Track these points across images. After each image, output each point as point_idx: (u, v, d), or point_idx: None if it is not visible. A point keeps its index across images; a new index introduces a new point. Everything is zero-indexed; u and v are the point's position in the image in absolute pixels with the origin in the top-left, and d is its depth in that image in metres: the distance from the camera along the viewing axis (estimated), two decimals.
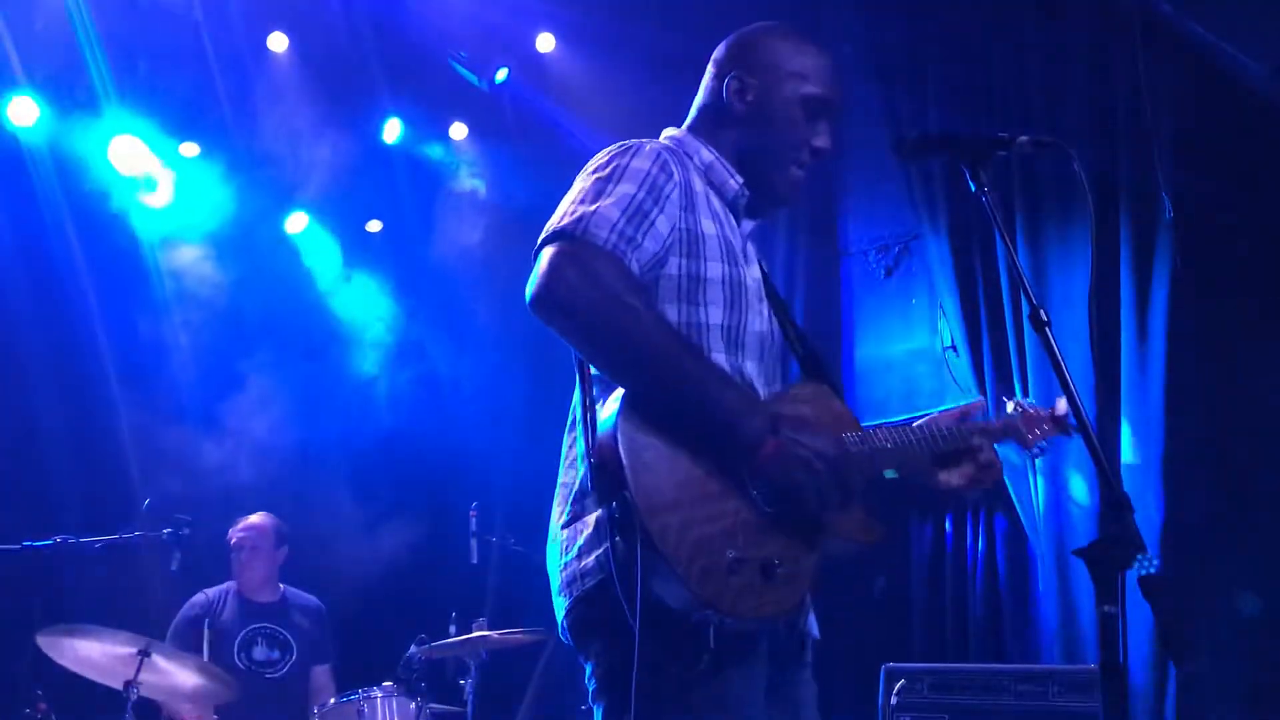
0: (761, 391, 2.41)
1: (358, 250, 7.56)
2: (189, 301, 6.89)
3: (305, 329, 7.35)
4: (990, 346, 5.76)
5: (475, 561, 5.75)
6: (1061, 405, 2.64)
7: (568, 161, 6.90)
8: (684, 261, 2.35)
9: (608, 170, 2.35)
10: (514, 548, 5.90)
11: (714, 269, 2.38)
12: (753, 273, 2.51)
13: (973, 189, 2.29)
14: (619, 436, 2.15)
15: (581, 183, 2.36)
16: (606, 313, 2.18)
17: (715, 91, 2.57)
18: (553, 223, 2.29)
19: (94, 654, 4.76)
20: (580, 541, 2.28)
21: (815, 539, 2.26)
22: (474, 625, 5.34)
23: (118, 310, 6.72)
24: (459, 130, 7.36)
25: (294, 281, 7.37)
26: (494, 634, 5.27)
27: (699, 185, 2.44)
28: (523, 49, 6.94)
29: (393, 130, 7.21)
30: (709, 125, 2.57)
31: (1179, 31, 5.09)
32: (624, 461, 2.12)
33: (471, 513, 5.73)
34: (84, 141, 6.48)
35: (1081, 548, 1.93)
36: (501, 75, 7.01)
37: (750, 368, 2.41)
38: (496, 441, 7.14)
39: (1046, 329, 2.11)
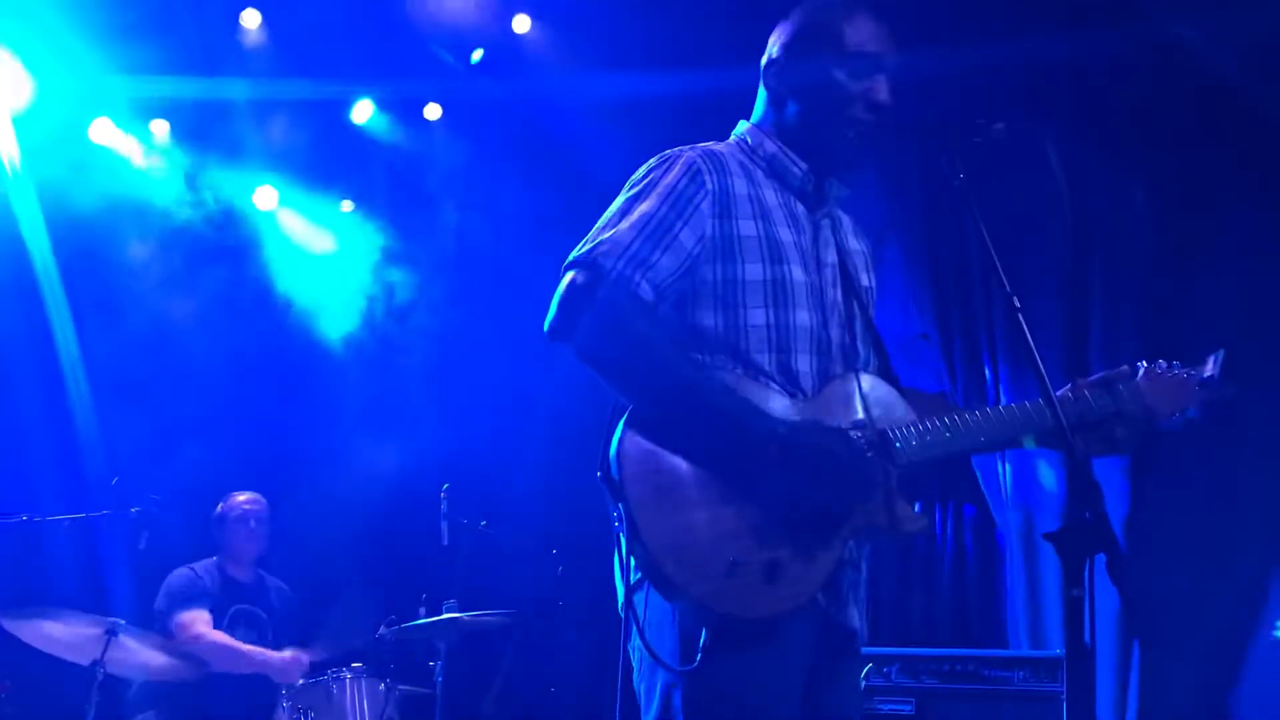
0: (813, 386, 2.40)
1: (329, 229, 7.50)
2: (156, 277, 6.84)
3: (274, 306, 7.29)
4: (962, 334, 5.79)
5: (446, 543, 5.74)
6: (1210, 365, 2.57)
7: (543, 144, 6.89)
8: (719, 267, 2.39)
9: (638, 188, 2.44)
10: (485, 530, 5.89)
11: (753, 271, 2.40)
12: (825, 257, 2.50)
13: (947, 176, 2.29)
14: (620, 449, 2.27)
15: (616, 201, 2.46)
16: (607, 342, 2.31)
17: (763, 82, 2.60)
18: (576, 248, 2.40)
19: (60, 633, 4.73)
20: (621, 542, 2.35)
21: (833, 535, 2.28)
22: (444, 607, 5.34)
23: (84, 285, 6.66)
24: (433, 111, 7.32)
25: (262, 259, 7.31)
26: (464, 616, 5.27)
27: (742, 188, 2.45)
28: (499, 30, 6.90)
29: (365, 110, 7.16)
30: (768, 115, 2.59)
31: (1150, 21, 5.12)
32: (623, 473, 2.25)
33: (442, 494, 5.72)
34: (54, 116, 6.42)
35: (1051, 532, 1.94)
36: (477, 56, 6.97)
37: (803, 363, 2.40)
38: (469, 422, 7.12)
39: (1019, 315, 2.12)
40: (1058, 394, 2.44)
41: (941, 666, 4.50)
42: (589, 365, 2.35)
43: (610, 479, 2.28)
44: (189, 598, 5.41)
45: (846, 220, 2.64)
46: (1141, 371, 2.60)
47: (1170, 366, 2.61)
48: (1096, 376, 2.56)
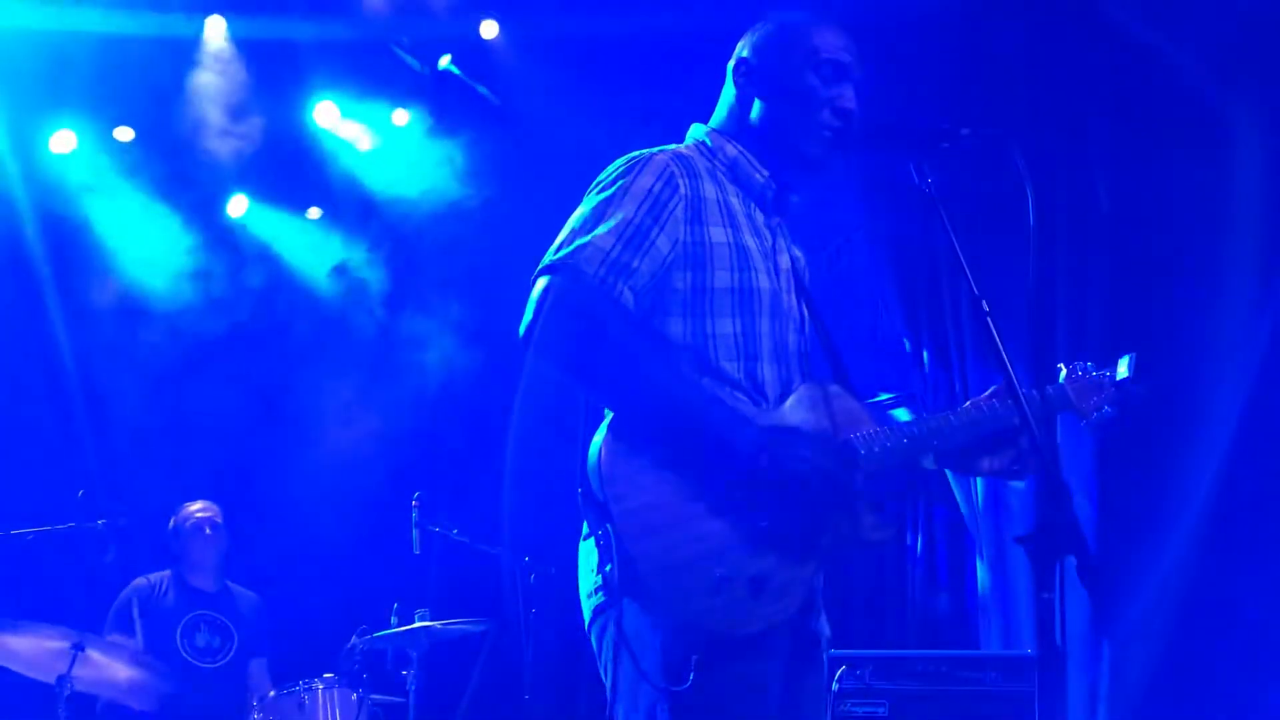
0: (776, 394, 2.41)
1: (299, 237, 7.46)
2: (119, 289, 6.79)
3: (243, 316, 7.24)
4: (930, 337, 5.81)
5: (418, 552, 5.72)
6: (1123, 367, 2.63)
7: (512, 148, 6.86)
8: (689, 274, 2.37)
9: (612, 189, 2.37)
10: (457, 538, 5.86)
11: (721, 278, 2.38)
12: (781, 264, 2.52)
13: (915, 181, 2.30)
14: (601, 466, 2.22)
15: (586, 203, 2.39)
16: (590, 351, 2.24)
17: (731, 81, 2.59)
18: (549, 251, 2.32)
19: (24, 649, 4.67)
20: (593, 559, 2.32)
21: (813, 547, 2.27)
22: (416, 616, 5.32)
23: (56, 300, 6.61)
24: (401, 116, 7.29)
25: (228, 268, 7.26)
26: (436, 624, 5.25)
27: (711, 192, 2.43)
28: (466, 35, 6.88)
29: (333, 115, 7.12)
30: (731, 117, 2.58)
31: (1117, 26, 5.17)
32: (606, 490, 2.19)
33: (413, 502, 5.69)
34: (19, 131, 6.36)
35: (1021, 535, 1.95)
36: (444, 62, 6.94)
37: (767, 372, 2.41)
38: (440, 429, 7.09)
39: (988, 318, 2.13)
40: (989, 407, 2.54)
41: (915, 668, 4.51)
42: (568, 375, 2.28)
43: (592, 496, 2.23)
44: (118, 622, 5.44)
45: (786, 226, 2.64)
46: (1064, 374, 2.70)
47: (1088, 369, 2.71)
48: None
